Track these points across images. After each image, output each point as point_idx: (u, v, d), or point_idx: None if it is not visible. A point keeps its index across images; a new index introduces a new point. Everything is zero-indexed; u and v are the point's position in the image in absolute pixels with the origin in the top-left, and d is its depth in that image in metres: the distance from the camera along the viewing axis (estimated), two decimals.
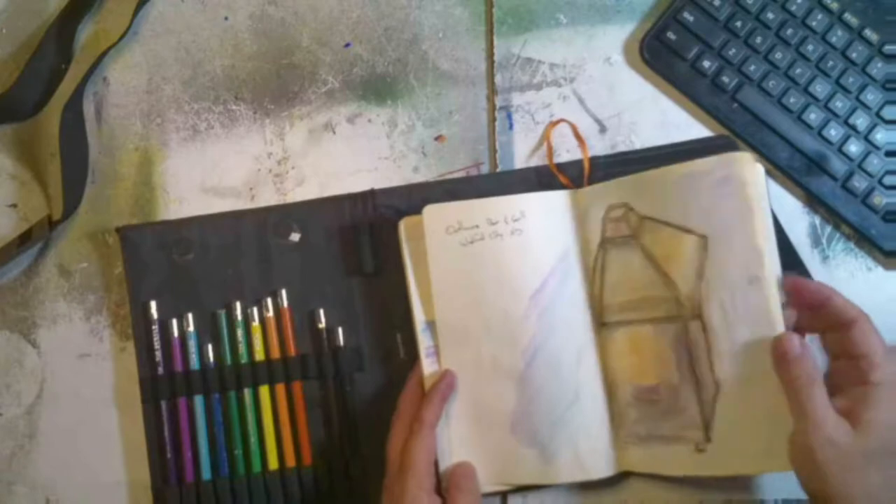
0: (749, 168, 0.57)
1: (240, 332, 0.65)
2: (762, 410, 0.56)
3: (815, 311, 0.56)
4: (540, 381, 0.61)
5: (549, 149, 0.67)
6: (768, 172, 0.66)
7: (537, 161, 0.67)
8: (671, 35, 0.67)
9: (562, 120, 0.67)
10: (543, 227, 0.62)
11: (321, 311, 0.65)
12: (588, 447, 0.61)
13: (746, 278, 0.57)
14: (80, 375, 0.66)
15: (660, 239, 0.60)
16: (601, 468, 0.61)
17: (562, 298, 0.61)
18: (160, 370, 0.64)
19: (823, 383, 0.54)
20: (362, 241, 0.65)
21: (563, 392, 0.61)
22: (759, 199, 0.57)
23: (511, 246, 0.61)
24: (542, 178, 0.66)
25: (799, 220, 0.67)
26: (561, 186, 0.65)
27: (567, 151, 0.67)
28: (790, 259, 0.64)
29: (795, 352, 0.54)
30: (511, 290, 0.61)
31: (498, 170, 0.67)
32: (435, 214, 0.61)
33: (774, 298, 0.56)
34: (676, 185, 0.59)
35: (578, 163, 0.66)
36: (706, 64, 0.66)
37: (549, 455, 0.60)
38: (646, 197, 0.61)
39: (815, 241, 0.67)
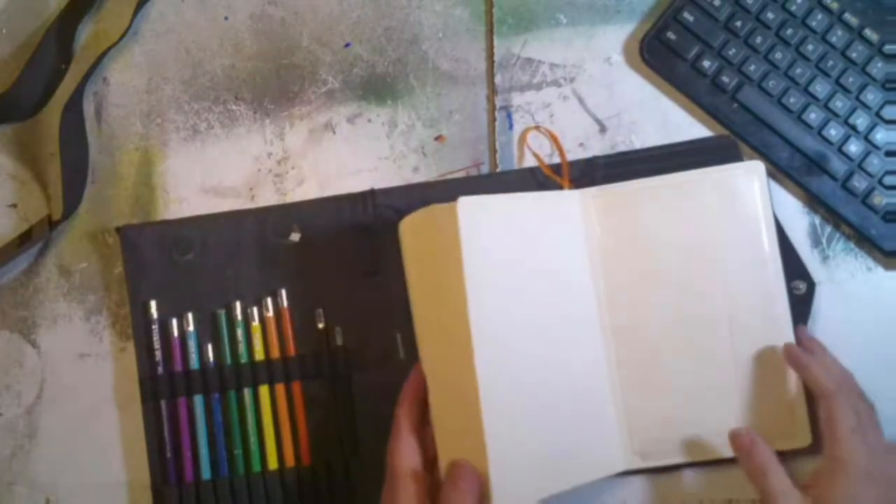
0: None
1: (240, 332, 0.65)
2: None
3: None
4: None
5: (537, 155, 0.66)
6: (768, 172, 0.66)
7: (536, 161, 0.67)
8: (671, 35, 0.67)
9: (537, 127, 0.67)
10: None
11: (321, 311, 0.65)
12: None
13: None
14: (80, 375, 0.66)
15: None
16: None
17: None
18: (160, 370, 0.64)
19: (778, 465, 0.57)
20: (362, 241, 0.65)
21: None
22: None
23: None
24: (541, 179, 0.66)
25: (799, 220, 0.67)
26: (557, 187, 0.65)
27: (567, 152, 0.67)
28: (791, 260, 0.64)
29: (746, 445, 0.59)
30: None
31: (498, 170, 0.67)
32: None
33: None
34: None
35: (578, 163, 0.66)
36: (706, 64, 0.66)
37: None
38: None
39: (815, 241, 0.66)
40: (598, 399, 0.62)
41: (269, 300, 0.65)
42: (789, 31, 0.66)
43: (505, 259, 0.57)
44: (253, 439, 0.64)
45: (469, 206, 0.55)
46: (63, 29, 0.67)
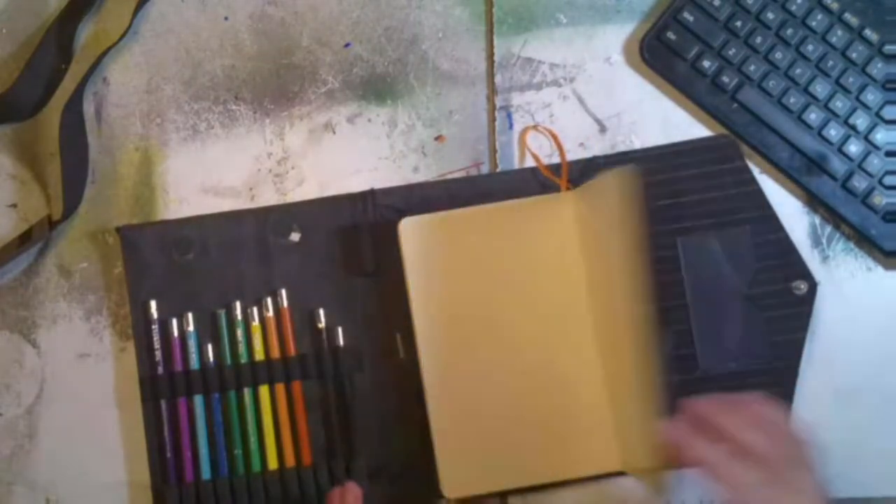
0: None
1: (240, 332, 0.65)
2: None
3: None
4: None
5: (535, 156, 0.66)
6: (768, 173, 0.66)
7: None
8: (671, 35, 0.67)
9: (536, 126, 0.67)
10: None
11: (321, 311, 0.65)
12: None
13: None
14: (80, 375, 0.66)
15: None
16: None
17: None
18: (160, 370, 0.64)
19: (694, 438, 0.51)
20: (362, 241, 0.65)
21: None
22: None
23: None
24: (541, 178, 0.66)
25: (799, 220, 0.67)
26: (557, 188, 0.65)
27: (567, 151, 0.67)
28: (792, 259, 0.64)
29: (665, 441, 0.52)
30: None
31: (498, 170, 0.67)
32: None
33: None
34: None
35: (578, 163, 0.66)
36: (706, 64, 0.66)
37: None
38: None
39: (815, 241, 0.67)
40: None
41: (269, 300, 0.65)
42: (789, 31, 0.66)
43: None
44: (253, 439, 0.64)
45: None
46: (63, 29, 0.67)
